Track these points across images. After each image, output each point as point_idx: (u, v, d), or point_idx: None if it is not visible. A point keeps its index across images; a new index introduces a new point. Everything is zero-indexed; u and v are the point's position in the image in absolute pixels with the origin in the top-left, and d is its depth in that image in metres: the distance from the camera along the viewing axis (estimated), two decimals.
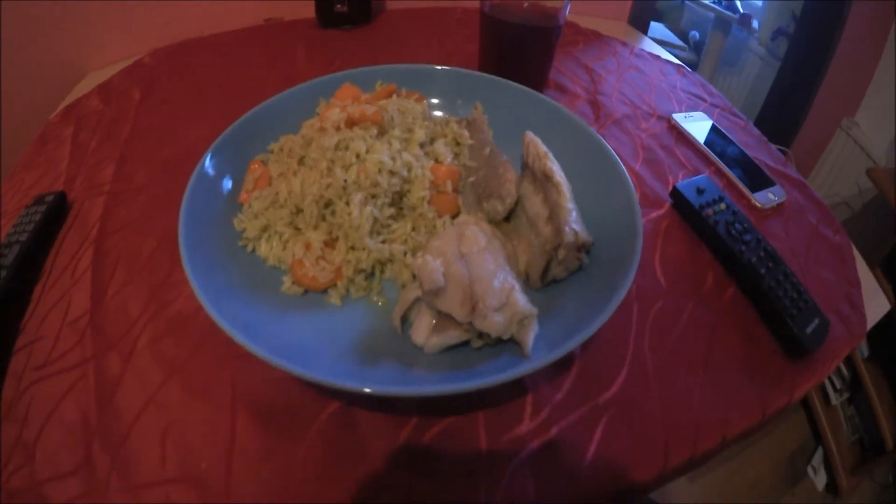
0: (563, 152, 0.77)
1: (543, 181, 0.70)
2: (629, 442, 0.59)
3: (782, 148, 2.19)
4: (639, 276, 0.74)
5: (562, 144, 0.79)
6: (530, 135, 0.77)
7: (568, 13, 1.01)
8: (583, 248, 0.65)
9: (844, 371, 2.11)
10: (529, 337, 0.55)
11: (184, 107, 1.08)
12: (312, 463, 0.55)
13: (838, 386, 2.13)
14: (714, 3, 3.12)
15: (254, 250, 0.68)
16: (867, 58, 2.14)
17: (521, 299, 0.56)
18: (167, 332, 0.66)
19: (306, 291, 0.65)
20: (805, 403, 2.19)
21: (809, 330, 0.70)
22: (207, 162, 0.72)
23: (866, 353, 1.99)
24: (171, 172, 0.89)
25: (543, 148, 0.74)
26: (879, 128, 2.15)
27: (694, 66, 3.33)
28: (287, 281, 0.65)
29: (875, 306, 0.84)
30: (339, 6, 1.32)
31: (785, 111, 2.32)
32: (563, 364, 0.65)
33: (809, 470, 2.07)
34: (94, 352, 0.64)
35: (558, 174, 0.70)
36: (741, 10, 2.96)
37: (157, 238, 0.78)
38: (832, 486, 2.01)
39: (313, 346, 0.57)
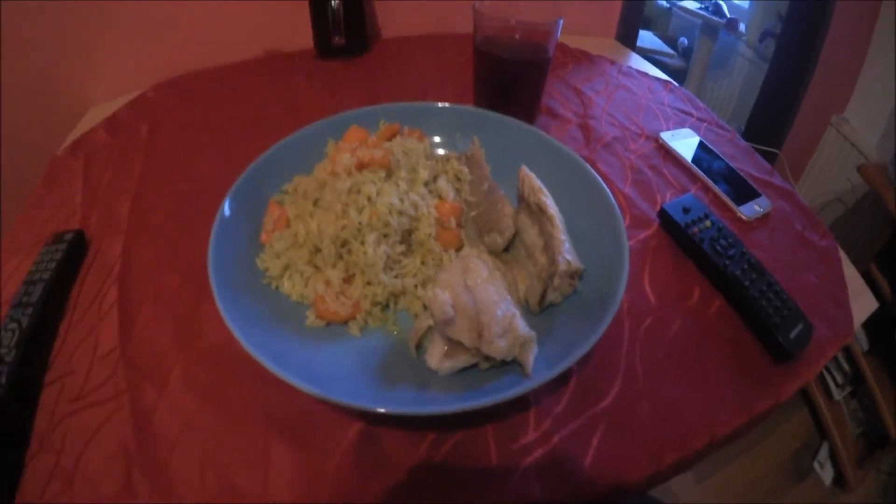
0: (556, 183, 0.83)
1: (538, 213, 0.76)
2: (624, 446, 0.64)
3: (773, 150, 2.21)
4: (629, 295, 0.81)
5: (554, 175, 0.85)
6: (525, 169, 0.83)
7: (558, 36, 1.05)
8: (575, 274, 0.71)
9: (845, 366, 2.13)
10: (530, 358, 0.61)
11: (192, 141, 1.12)
12: (341, 477, 0.59)
13: (840, 381, 2.15)
14: (700, 9, 3.13)
15: (277, 287, 0.73)
16: (854, 54, 2.17)
17: (521, 325, 0.61)
18: (198, 362, 0.69)
19: (328, 324, 0.70)
20: (808, 400, 2.22)
21: (793, 335, 0.75)
22: (227, 206, 0.77)
23: (866, 347, 2.02)
24: (187, 208, 0.92)
25: (537, 182, 0.80)
26: (869, 123, 2.18)
27: (684, 72, 3.34)
28: (310, 315, 0.70)
29: (863, 305, 0.89)
30: (336, 38, 1.35)
31: (775, 111, 2.33)
32: (562, 379, 0.69)
33: (816, 465, 2.10)
34: (129, 384, 0.67)
35: (551, 207, 0.76)
36: (728, 15, 3.00)
37: (180, 273, 0.81)
38: (840, 480, 2.03)
39: (337, 373, 0.63)
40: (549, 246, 0.71)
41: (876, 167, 1.93)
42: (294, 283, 0.73)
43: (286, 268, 0.74)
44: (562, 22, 1.02)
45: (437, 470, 0.60)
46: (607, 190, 0.81)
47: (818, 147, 2.39)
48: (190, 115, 1.21)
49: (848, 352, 2.08)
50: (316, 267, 0.74)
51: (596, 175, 0.84)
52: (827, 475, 2.07)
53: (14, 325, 0.68)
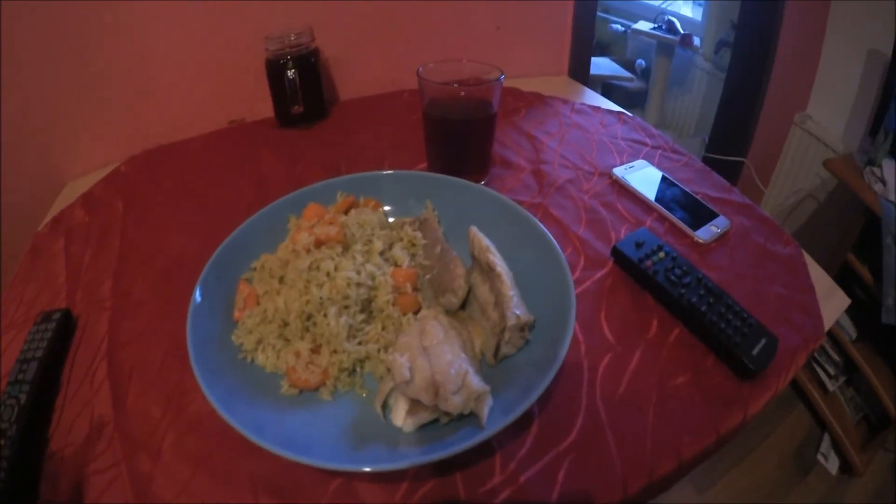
0: (506, 238, 0.88)
1: (488, 272, 0.81)
2: (589, 478, 0.67)
3: (740, 159, 2.26)
4: (586, 335, 0.85)
5: (504, 230, 0.90)
6: (474, 230, 0.87)
7: (505, 83, 1.09)
8: (525, 326, 0.76)
9: (836, 357, 2.18)
10: (484, 410, 0.65)
11: (165, 215, 1.16)
12: None
13: (832, 372, 2.20)
14: (654, 29, 3.20)
15: (252, 360, 0.77)
16: (810, 50, 2.24)
17: (475, 381, 0.66)
18: (188, 431, 0.73)
19: (302, 391, 0.74)
20: (803, 396, 2.27)
21: (755, 351, 0.77)
22: (198, 293, 0.81)
23: (854, 335, 2.07)
24: (167, 284, 0.96)
25: (486, 241, 0.84)
26: (832, 117, 2.25)
27: (644, 93, 3.38)
28: (284, 385, 0.74)
29: (834, 303, 0.93)
30: (295, 108, 1.39)
31: (737, 118, 2.38)
32: (523, 424, 0.73)
33: (819, 457, 2.14)
34: (125, 454, 0.70)
35: (499, 265, 0.80)
36: (681, 31, 3.07)
37: (164, 348, 0.84)
38: (846, 467, 2.08)
39: (314, 436, 0.67)
40: (499, 302, 0.75)
41: (842, 159, 1.99)
42: (267, 355, 0.77)
43: (259, 342, 0.78)
44: (503, 77, 1.06)
45: None
46: (553, 240, 0.85)
47: (784, 147, 2.45)
48: (162, 189, 1.25)
49: (837, 343, 2.13)
50: (286, 339, 0.78)
51: (541, 227, 0.88)
52: (832, 465, 2.12)
53: (13, 402, 0.72)
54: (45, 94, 1.24)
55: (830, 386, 2.23)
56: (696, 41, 3.15)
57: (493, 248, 0.84)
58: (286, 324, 0.78)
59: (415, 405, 0.67)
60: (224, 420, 0.64)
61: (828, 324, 0.88)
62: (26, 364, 0.78)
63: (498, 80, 1.05)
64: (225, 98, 1.48)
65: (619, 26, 3.78)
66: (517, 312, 0.74)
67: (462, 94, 1.08)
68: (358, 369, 0.77)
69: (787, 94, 2.31)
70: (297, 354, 0.76)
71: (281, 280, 0.83)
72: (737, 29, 2.39)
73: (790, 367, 0.80)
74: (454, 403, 0.64)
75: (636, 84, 3.56)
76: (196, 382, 0.69)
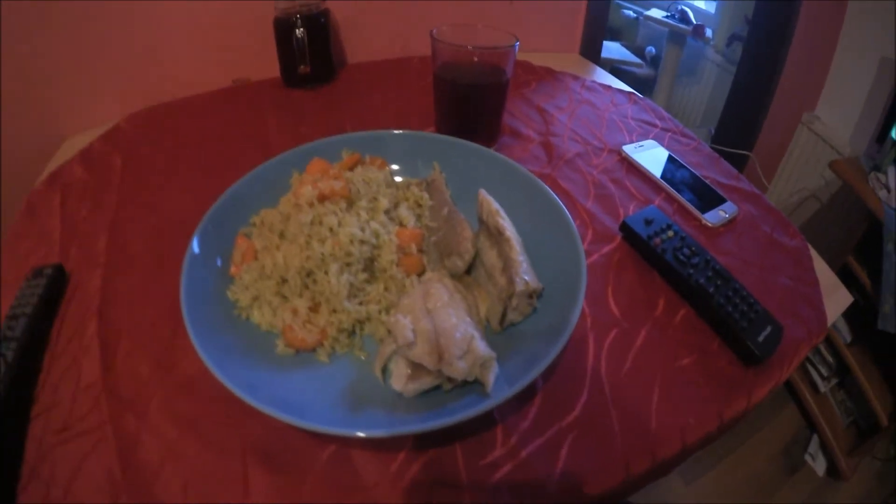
0: (515, 204, 0.86)
1: (497, 236, 0.78)
2: (592, 457, 0.65)
3: (745, 153, 2.24)
4: (593, 309, 0.83)
5: (513, 197, 0.88)
6: (483, 193, 0.85)
7: (517, 56, 1.07)
8: (533, 294, 0.73)
9: (829, 358, 2.17)
10: (490, 377, 0.63)
11: (165, 173, 1.13)
12: (316, 497, 0.61)
13: (825, 373, 2.20)
14: (667, 17, 3.17)
15: (248, 318, 0.75)
16: (823, 51, 2.22)
17: (480, 346, 0.64)
18: (177, 392, 0.70)
19: (298, 351, 0.71)
20: (794, 395, 2.26)
21: (761, 338, 0.76)
22: (195, 244, 0.78)
23: (849, 339, 2.06)
24: (162, 241, 0.94)
25: (495, 205, 0.82)
26: (841, 119, 2.23)
27: (653, 80, 3.37)
28: (280, 344, 0.71)
29: (837, 300, 0.92)
30: (302, 67, 1.37)
31: (745, 113, 2.36)
32: (527, 396, 0.71)
33: (807, 458, 2.14)
34: (111, 414, 0.68)
35: (509, 229, 0.78)
36: (694, 21, 3.04)
37: (156, 306, 0.82)
38: (833, 470, 2.08)
39: (308, 399, 0.64)
40: (507, 267, 0.73)
41: (847, 161, 1.97)
42: (263, 313, 0.74)
43: (255, 299, 0.76)
44: (518, 44, 1.04)
45: (409, 488, 0.62)
46: (564, 208, 0.84)
47: (790, 145, 2.44)
48: (162, 146, 1.23)
49: (831, 344, 2.12)
50: (283, 297, 0.76)
51: (553, 194, 0.86)
52: (819, 466, 2.12)
53: None
54: (44, 49, 1.22)
55: (822, 387, 2.24)
56: (709, 33, 3.12)
57: (502, 213, 0.82)
58: (284, 280, 0.76)
59: (417, 370, 0.65)
60: (214, 380, 0.62)
61: (831, 319, 0.87)
62: (14, 321, 0.75)
63: (512, 46, 1.04)
64: (229, 56, 1.45)
65: (631, 12, 3.75)
66: (526, 278, 0.72)
67: (475, 58, 1.07)
68: (357, 331, 0.75)
69: (796, 93, 2.30)
70: (295, 312, 0.73)
71: (281, 235, 0.80)
72: (751, 24, 2.37)
73: (793, 358, 0.79)
74: (459, 369, 0.62)
75: (645, 71, 3.55)
76: (187, 343, 0.66)
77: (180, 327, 0.69)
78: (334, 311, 0.73)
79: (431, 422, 0.59)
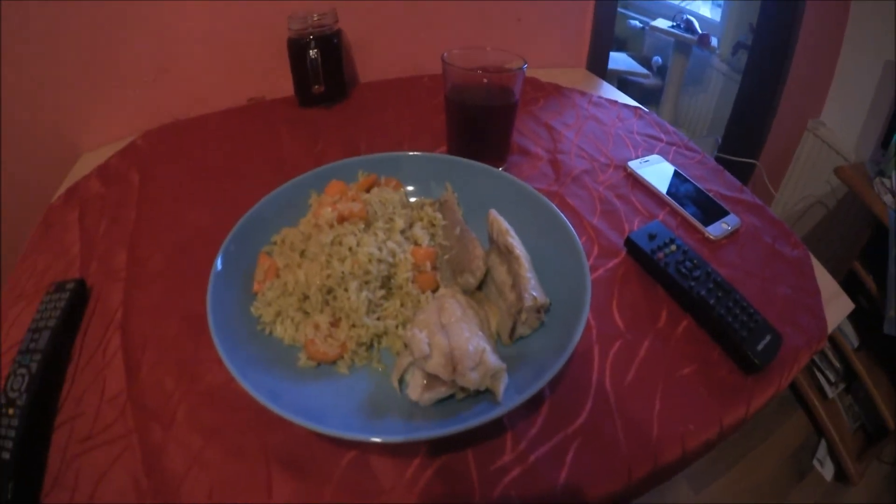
0: (524, 222, 0.89)
1: (507, 254, 0.81)
2: (596, 462, 0.67)
3: (751, 161, 2.25)
4: (598, 322, 0.86)
5: (522, 216, 0.91)
6: (494, 213, 0.88)
7: (524, 78, 1.10)
8: (541, 309, 0.77)
9: (837, 364, 2.18)
10: (500, 387, 0.66)
11: (182, 190, 1.15)
12: (337, 501, 0.63)
13: (833, 379, 2.20)
14: (672, 27, 3.19)
15: (271, 333, 0.78)
16: (827, 57, 2.23)
17: (491, 358, 0.67)
18: (201, 403, 0.73)
19: (319, 364, 0.75)
20: (802, 401, 2.27)
21: (760, 347, 0.78)
22: (219, 262, 0.81)
23: (856, 344, 2.06)
24: (182, 257, 0.97)
25: (505, 224, 0.85)
26: (846, 125, 2.24)
27: (659, 90, 3.37)
28: (302, 357, 0.74)
29: (837, 307, 0.94)
30: (316, 87, 1.40)
31: (751, 121, 2.36)
32: (535, 404, 0.74)
33: (815, 463, 2.14)
34: (136, 424, 0.70)
35: (518, 248, 0.81)
36: (699, 31, 3.06)
37: (179, 320, 0.85)
38: (841, 475, 2.08)
39: (329, 408, 0.67)
40: (516, 284, 0.76)
41: (853, 168, 1.98)
42: (286, 328, 0.78)
43: (278, 314, 0.79)
44: (525, 66, 1.07)
45: (423, 491, 0.65)
46: (570, 227, 0.86)
47: (796, 152, 2.44)
48: (179, 163, 1.25)
49: (838, 350, 2.13)
50: (305, 313, 0.79)
51: (559, 213, 0.89)
52: (828, 472, 2.12)
53: (24, 371, 0.72)
54: (61, 66, 1.24)
55: (830, 392, 2.23)
56: (714, 42, 3.14)
57: (512, 232, 0.85)
58: (306, 297, 0.79)
59: (432, 380, 0.68)
60: (238, 391, 0.65)
61: (831, 327, 0.88)
62: (38, 333, 0.77)
63: (521, 68, 1.06)
64: (244, 75, 1.48)
65: (637, 22, 3.77)
66: (534, 294, 0.75)
67: (485, 80, 1.09)
68: (375, 344, 0.78)
69: (801, 100, 2.30)
70: (317, 327, 0.76)
71: (302, 254, 0.84)
72: (755, 32, 2.37)
73: (793, 366, 0.81)
74: (471, 379, 0.65)
75: (652, 81, 3.56)
76: (210, 355, 0.70)
77: (203, 340, 0.74)
78: (354, 325, 0.77)
79: (446, 428, 0.62)
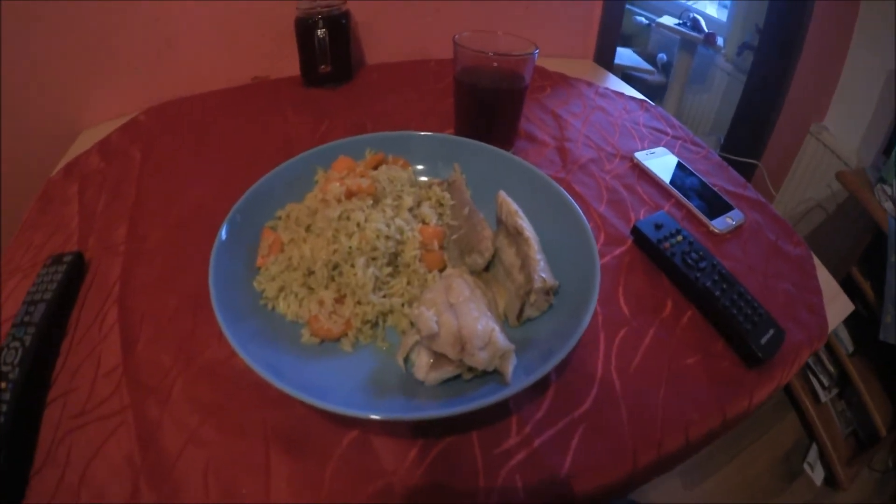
0: (532, 205, 0.88)
1: (515, 235, 0.81)
2: (601, 448, 0.67)
3: (753, 161, 2.24)
4: (604, 308, 0.85)
5: (531, 198, 0.90)
6: (503, 194, 0.87)
7: (535, 63, 1.09)
8: (550, 291, 0.76)
9: (831, 368, 2.17)
10: (509, 367, 0.65)
11: (184, 166, 1.15)
12: (337, 482, 0.62)
13: (826, 383, 2.19)
14: (679, 25, 3.17)
15: (273, 308, 0.77)
16: (832, 62, 2.21)
17: (500, 339, 0.66)
18: (199, 379, 0.72)
19: (322, 341, 0.74)
20: (795, 403, 2.26)
21: (764, 341, 0.78)
22: (224, 232, 0.80)
23: (851, 349, 2.05)
24: (182, 232, 0.96)
25: (514, 206, 0.85)
26: (848, 130, 2.23)
27: (664, 87, 3.36)
28: (305, 333, 0.74)
29: (838, 308, 0.93)
30: (322, 67, 1.39)
31: (754, 123, 2.36)
32: (541, 388, 0.73)
33: (806, 466, 2.13)
34: (132, 399, 0.69)
35: (527, 229, 0.80)
36: (706, 30, 3.04)
37: (178, 295, 0.84)
38: (831, 480, 2.07)
39: (331, 384, 0.66)
40: (525, 265, 0.76)
41: (854, 173, 1.97)
42: (289, 303, 0.77)
43: (281, 289, 0.78)
44: (537, 52, 1.06)
45: (426, 473, 0.64)
46: (580, 211, 0.85)
47: (798, 155, 2.43)
48: (180, 140, 1.24)
49: (833, 354, 2.12)
50: (309, 288, 0.78)
51: (569, 197, 0.88)
52: (817, 476, 2.11)
53: (17, 344, 0.70)
54: (63, 42, 1.23)
55: (823, 397, 2.23)
56: (720, 41, 3.13)
57: (521, 213, 0.84)
58: (311, 272, 0.78)
59: (438, 359, 0.67)
60: (237, 368, 0.65)
61: (832, 326, 0.88)
62: (33, 306, 0.76)
63: (532, 53, 1.05)
64: (249, 54, 1.47)
65: (643, 19, 3.75)
66: (543, 276, 0.74)
67: (495, 63, 1.08)
68: (380, 322, 0.77)
69: (805, 103, 2.30)
70: (321, 303, 0.75)
71: (308, 229, 0.82)
72: (761, 33, 2.37)
73: (794, 362, 0.81)
74: (480, 359, 0.64)
75: (656, 78, 3.54)
76: (209, 331, 0.70)
77: (202, 316, 0.73)
78: (359, 302, 0.76)
79: (453, 407, 0.61)
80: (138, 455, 0.64)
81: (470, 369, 0.67)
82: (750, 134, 2.40)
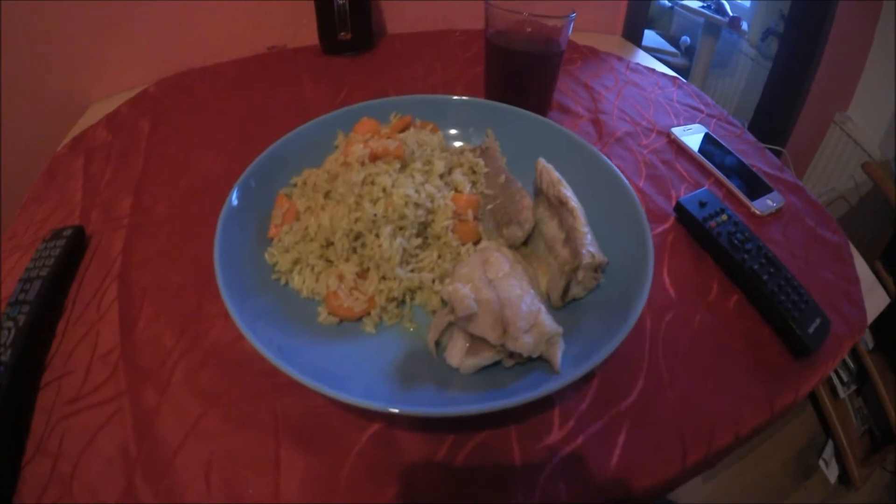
0: (573, 175, 0.81)
1: (558, 206, 0.74)
2: (649, 445, 0.62)
3: (777, 148, 2.21)
4: (650, 290, 0.78)
5: (571, 168, 0.83)
6: (543, 162, 0.80)
7: (571, 29, 1.03)
8: (599, 267, 0.68)
9: (850, 364, 2.12)
10: (558, 354, 0.58)
11: (194, 137, 1.10)
12: (356, 482, 0.57)
13: (845, 379, 2.14)
14: (703, 7, 3.13)
15: (287, 283, 0.71)
16: (857, 51, 2.17)
17: (547, 320, 0.59)
18: (203, 363, 0.67)
19: (341, 321, 0.67)
20: (813, 398, 2.20)
21: (811, 330, 0.73)
22: (235, 196, 0.74)
23: (871, 345, 2.00)
24: (190, 204, 0.91)
25: (556, 174, 0.78)
26: (872, 121, 2.18)
27: (686, 71, 3.34)
28: (322, 312, 0.67)
29: (874, 300, 0.87)
30: (342, 34, 1.33)
31: (778, 110, 2.32)
32: (586, 376, 0.66)
33: (821, 463, 2.09)
34: (129, 385, 0.65)
35: (572, 200, 0.74)
36: (730, 13, 2.99)
37: (183, 271, 0.79)
38: (844, 478, 2.03)
39: (351, 372, 0.60)
40: (570, 238, 0.70)
41: (881, 164, 1.93)
42: (305, 277, 0.70)
43: (296, 262, 0.72)
44: (574, 15, 1.00)
45: (458, 473, 0.58)
46: (627, 183, 0.80)
47: (821, 145, 2.39)
48: (192, 111, 1.19)
49: (853, 349, 2.06)
50: (328, 261, 0.72)
51: (615, 168, 0.83)
52: (832, 473, 2.08)
53: (10, 324, 0.66)
54: (72, 12, 1.17)
55: (841, 392, 2.18)
56: (745, 25, 3.08)
57: (564, 182, 0.77)
58: (330, 243, 0.71)
59: (476, 343, 0.60)
60: (245, 351, 0.59)
61: (870, 318, 0.84)
62: (29, 283, 0.72)
63: (569, 17, 1.00)
64: (265, 23, 1.40)
65: (666, 1, 3.71)
66: (591, 250, 0.67)
67: (529, 29, 1.03)
68: (408, 300, 0.71)
69: (830, 93, 2.25)
70: (341, 278, 0.69)
71: (326, 195, 0.77)
72: (787, 21, 2.34)
73: (836, 354, 0.76)
74: (525, 344, 0.57)
75: (679, 60, 3.50)
76: (215, 310, 0.64)
77: (207, 294, 0.67)
78: (384, 277, 0.69)
79: (495, 401, 0.54)
80: (134, 446, 0.60)
81: (511, 355, 0.60)
82: (774, 121, 2.35)
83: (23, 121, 1.20)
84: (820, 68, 2.11)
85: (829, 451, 2.12)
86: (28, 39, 1.13)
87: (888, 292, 1.61)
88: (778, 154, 2.24)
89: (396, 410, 0.53)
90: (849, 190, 2.28)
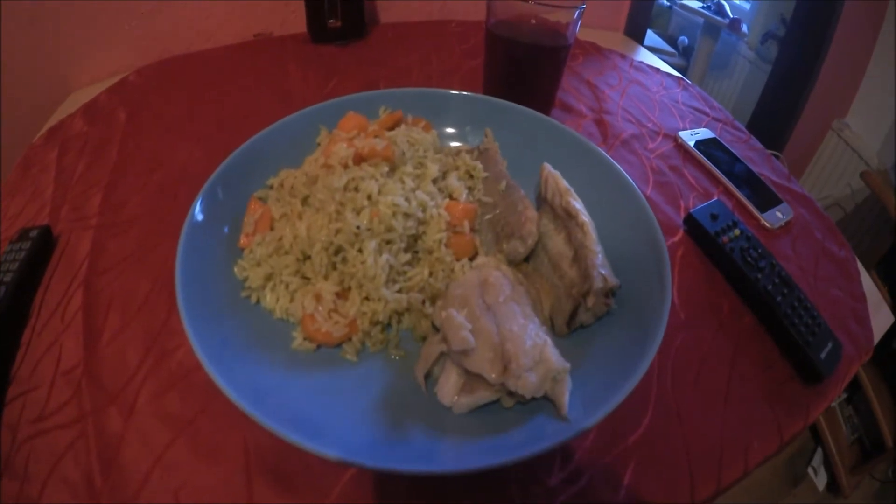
0: (580, 183, 0.76)
1: (565, 219, 0.68)
2: (657, 483, 0.59)
3: (774, 153, 2.20)
4: None
5: (578, 174, 0.78)
6: (549, 168, 0.75)
7: (579, 23, 0.99)
8: (610, 292, 0.62)
9: None
10: (565, 395, 0.52)
11: (173, 126, 1.05)
12: None
13: None
14: (703, 8, 3.14)
15: (258, 301, 0.65)
16: (858, 58, 2.17)
17: (554, 355, 0.53)
18: (170, 385, 0.62)
19: (319, 347, 0.62)
20: None
21: (823, 355, 0.71)
22: (199, 208, 0.68)
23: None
24: (164, 200, 0.87)
25: (564, 183, 0.72)
26: (871, 129, 2.18)
27: (684, 71, 3.34)
28: (298, 337, 0.62)
29: (879, 319, 0.86)
30: (331, 21, 1.29)
31: (776, 114, 2.32)
32: None
33: (810, 471, 2.11)
34: (92, 406, 0.61)
35: (583, 213, 0.68)
36: (731, 15, 2.99)
37: (152, 276, 0.74)
38: (833, 486, 2.04)
39: (330, 410, 0.54)
40: (580, 257, 0.64)
41: (879, 174, 1.93)
42: (278, 296, 0.64)
43: (269, 278, 0.66)
44: (584, 7, 0.95)
45: None
46: (642, 196, 0.74)
47: (818, 151, 2.40)
48: (173, 100, 1.14)
49: None
50: (304, 277, 0.66)
51: (629, 178, 0.77)
52: (821, 481, 2.10)
53: None
54: None
55: (833, 401, 2.16)
56: (745, 28, 3.07)
57: (573, 192, 0.72)
58: (307, 257, 0.65)
59: (472, 380, 0.54)
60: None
61: (875, 338, 0.82)
62: None
63: (577, 8, 0.94)
64: (250, 9, 1.35)
65: (665, 0, 3.69)
66: (603, 272, 0.61)
67: (533, 21, 0.99)
68: (394, 324, 0.64)
69: (828, 99, 2.26)
70: (318, 298, 0.62)
71: (305, 201, 0.71)
72: (789, 25, 2.34)
73: (844, 378, 0.75)
74: (529, 384, 0.51)
75: (676, 60, 3.49)
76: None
77: (176, 305, 0.60)
78: (367, 298, 0.63)
79: (493, 458, 0.48)
80: (98, 476, 0.55)
81: (511, 394, 0.54)
82: (772, 125, 2.35)
83: (1, 109, 1.15)
84: (820, 74, 2.11)
85: (817, 458, 2.15)
86: (6, 24, 1.09)
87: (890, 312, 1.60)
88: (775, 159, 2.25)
89: (381, 467, 0.48)
90: (845, 197, 2.29)
